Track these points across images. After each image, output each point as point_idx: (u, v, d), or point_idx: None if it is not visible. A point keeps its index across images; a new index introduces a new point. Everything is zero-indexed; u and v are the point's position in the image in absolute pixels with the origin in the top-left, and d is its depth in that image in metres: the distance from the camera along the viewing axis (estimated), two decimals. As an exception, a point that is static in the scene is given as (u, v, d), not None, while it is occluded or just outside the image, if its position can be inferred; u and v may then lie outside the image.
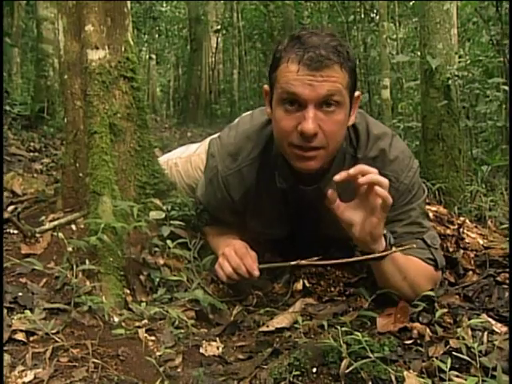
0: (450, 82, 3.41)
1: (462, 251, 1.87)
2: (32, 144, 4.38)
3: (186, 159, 2.27)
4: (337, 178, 1.32)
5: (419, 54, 3.77)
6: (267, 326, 1.46)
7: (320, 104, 1.35)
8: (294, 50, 1.35)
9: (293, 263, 1.47)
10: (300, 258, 1.88)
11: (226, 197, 1.66)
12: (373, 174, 1.31)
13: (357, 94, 1.44)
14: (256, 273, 1.56)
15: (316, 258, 1.45)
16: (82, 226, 1.73)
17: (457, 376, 1.13)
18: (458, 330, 1.26)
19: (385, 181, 1.32)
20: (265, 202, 1.65)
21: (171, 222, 1.73)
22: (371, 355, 1.15)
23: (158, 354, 1.28)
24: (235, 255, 1.59)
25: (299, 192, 1.58)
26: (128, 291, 1.61)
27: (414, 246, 1.47)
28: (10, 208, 2.03)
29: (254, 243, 1.70)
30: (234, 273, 1.58)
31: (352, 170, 1.30)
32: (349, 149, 1.55)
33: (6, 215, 1.73)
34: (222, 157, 1.64)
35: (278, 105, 1.41)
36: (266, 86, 1.49)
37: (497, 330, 1.32)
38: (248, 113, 1.81)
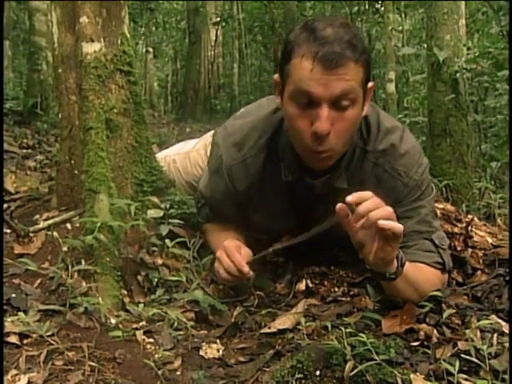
0: (457, 75, 3.40)
1: (470, 250, 1.87)
2: (25, 140, 4.39)
3: (184, 155, 2.27)
4: (338, 207, 1.26)
5: (426, 46, 3.76)
6: (269, 328, 1.46)
7: (334, 102, 1.35)
8: (307, 44, 1.34)
9: (272, 248, 1.54)
10: (304, 258, 1.89)
11: (229, 187, 1.65)
12: (374, 213, 1.22)
13: (370, 84, 1.44)
14: (245, 269, 1.53)
15: (298, 239, 1.48)
16: (78, 225, 1.73)
17: (465, 379, 1.13)
18: (467, 331, 1.26)
19: (390, 213, 1.24)
20: (269, 194, 1.65)
21: (170, 220, 1.73)
22: (376, 357, 1.15)
23: (156, 356, 1.28)
24: (225, 256, 1.58)
25: (306, 185, 1.58)
26: (125, 292, 1.61)
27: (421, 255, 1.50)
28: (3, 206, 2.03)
29: (256, 243, 1.70)
30: (228, 274, 1.57)
31: (350, 198, 1.24)
32: (359, 141, 1.55)
33: (-2, 214, 1.73)
34: (227, 146, 1.64)
35: (290, 100, 1.41)
36: (276, 76, 1.48)
37: (507, 331, 1.32)
38: (255, 102, 1.81)
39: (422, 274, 1.48)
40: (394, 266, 1.36)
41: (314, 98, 1.35)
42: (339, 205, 1.27)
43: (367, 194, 1.25)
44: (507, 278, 1.65)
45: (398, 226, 1.24)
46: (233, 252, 1.57)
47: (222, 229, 1.77)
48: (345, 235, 1.32)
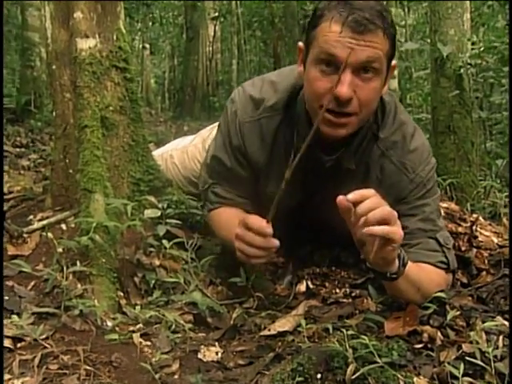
0: (462, 70, 3.40)
1: (475, 250, 1.87)
2: (18, 139, 4.39)
3: (182, 150, 2.27)
4: (339, 199, 1.25)
5: (429, 41, 3.76)
6: (269, 330, 1.46)
7: (358, 69, 1.35)
8: (338, 9, 1.35)
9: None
10: (304, 259, 1.89)
11: (241, 148, 1.64)
12: (384, 227, 1.22)
13: (393, 62, 1.46)
14: (268, 230, 1.42)
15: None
16: (73, 226, 1.74)
17: (470, 383, 1.13)
18: (472, 333, 1.26)
19: (390, 214, 1.24)
20: (281, 162, 1.63)
21: (167, 220, 1.73)
22: (379, 360, 1.15)
23: (153, 359, 1.28)
24: (244, 229, 1.47)
25: (316, 158, 1.58)
26: (122, 294, 1.61)
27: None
28: (-4, 207, 2.03)
29: None
30: (255, 248, 1.45)
31: (351, 196, 1.23)
32: (373, 125, 1.56)
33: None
34: (244, 102, 1.64)
35: (313, 64, 1.40)
36: (300, 44, 1.49)
37: (512, 333, 1.32)
38: (276, 70, 1.81)
39: (425, 275, 1.48)
40: (396, 266, 1.36)
41: (338, 62, 1.35)
42: (340, 197, 1.26)
43: (369, 191, 1.25)
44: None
45: (393, 231, 1.23)
46: (253, 222, 1.45)
47: (232, 211, 1.70)
48: (348, 233, 1.32)
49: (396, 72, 4.73)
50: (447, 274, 1.56)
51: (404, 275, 1.40)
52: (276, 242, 1.45)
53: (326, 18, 1.37)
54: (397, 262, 1.36)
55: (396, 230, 1.25)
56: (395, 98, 1.63)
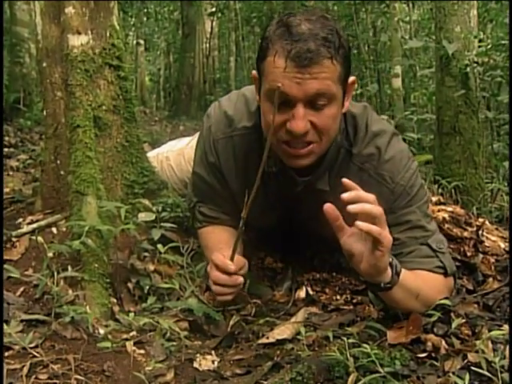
0: (468, 69, 3.41)
1: (481, 256, 1.88)
2: (7, 138, 4.38)
3: (178, 152, 2.28)
4: (326, 207, 1.29)
5: (434, 38, 3.78)
6: (267, 338, 1.46)
7: (309, 102, 1.37)
8: (281, 41, 1.36)
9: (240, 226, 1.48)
10: (304, 264, 1.90)
11: (215, 162, 1.67)
12: (365, 204, 1.25)
13: (351, 79, 1.46)
14: (231, 268, 1.50)
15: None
16: (64, 229, 1.74)
17: (475, 393, 1.14)
18: (477, 342, 1.26)
19: (377, 211, 1.26)
20: (252, 182, 1.66)
21: (162, 224, 1.73)
22: (381, 370, 1.15)
23: (147, 368, 1.29)
24: (211, 267, 1.55)
25: (289, 180, 1.59)
26: (114, 300, 1.61)
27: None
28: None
29: (252, 249, 1.70)
30: (219, 286, 1.53)
31: (345, 195, 1.25)
32: (344, 142, 1.58)
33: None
34: (218, 118, 1.67)
35: (265, 99, 1.43)
36: (254, 73, 1.50)
37: (519, 341, 1.33)
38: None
39: (423, 282, 1.49)
40: (389, 275, 1.37)
41: (288, 98, 1.36)
42: (327, 205, 1.29)
43: (367, 195, 1.26)
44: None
45: (380, 231, 1.25)
46: (217, 260, 1.53)
47: (218, 235, 1.76)
48: (328, 230, 1.34)
49: (400, 70, 4.75)
50: (447, 279, 1.56)
51: (399, 284, 1.40)
52: (240, 280, 1.53)
53: (270, 51, 1.38)
54: (389, 270, 1.37)
55: (384, 232, 1.26)
56: (368, 110, 1.63)
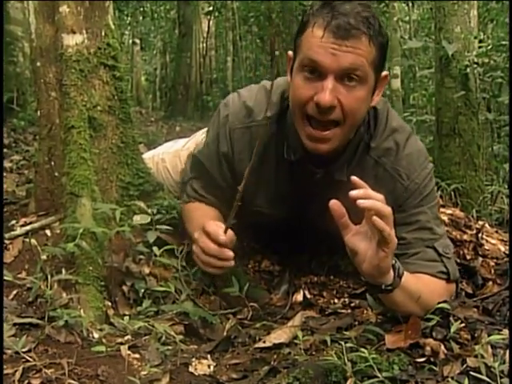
0: (468, 70, 3.42)
1: (480, 259, 1.88)
2: None
3: (174, 154, 2.28)
4: (332, 203, 1.31)
5: (434, 38, 3.78)
6: (264, 342, 1.46)
7: (341, 76, 1.38)
8: (322, 14, 1.38)
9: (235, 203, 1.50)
10: (302, 267, 1.90)
11: (228, 153, 1.68)
12: (376, 201, 1.26)
13: (384, 73, 1.47)
14: (222, 238, 1.49)
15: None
16: (58, 232, 1.74)
17: (475, 398, 1.14)
18: (477, 347, 1.26)
19: (387, 210, 1.27)
20: (271, 173, 1.68)
21: (157, 226, 1.73)
22: (379, 374, 1.16)
23: (142, 373, 1.29)
24: (201, 234, 1.54)
25: (307, 170, 1.60)
26: (109, 304, 1.61)
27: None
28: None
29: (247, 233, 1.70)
30: (208, 256, 1.52)
31: (355, 193, 1.25)
32: (365, 136, 1.59)
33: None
34: (237, 107, 1.68)
35: (298, 71, 1.45)
36: (290, 53, 1.52)
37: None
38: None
39: (424, 286, 1.49)
40: (391, 277, 1.38)
41: (321, 68, 1.38)
42: (332, 201, 1.31)
43: (375, 193, 1.28)
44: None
45: (387, 229, 1.26)
46: (210, 228, 1.52)
47: (206, 211, 1.76)
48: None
49: (399, 71, 4.76)
50: (449, 285, 1.57)
51: (400, 287, 1.41)
52: (230, 254, 1.52)
53: (310, 23, 1.40)
54: (392, 272, 1.38)
55: (393, 233, 1.27)
56: (388, 105, 1.66)
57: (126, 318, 1.47)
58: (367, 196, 1.26)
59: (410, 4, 9.15)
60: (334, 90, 1.38)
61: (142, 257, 1.73)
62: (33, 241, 1.63)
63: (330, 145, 1.48)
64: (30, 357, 1.28)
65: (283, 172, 1.67)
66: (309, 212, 1.68)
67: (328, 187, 1.56)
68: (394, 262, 1.38)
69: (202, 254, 1.53)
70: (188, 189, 1.82)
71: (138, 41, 16.48)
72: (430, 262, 1.54)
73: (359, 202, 1.24)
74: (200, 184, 1.79)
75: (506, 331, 1.40)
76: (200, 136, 2.26)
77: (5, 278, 1.48)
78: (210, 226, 1.53)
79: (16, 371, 1.23)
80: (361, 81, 1.40)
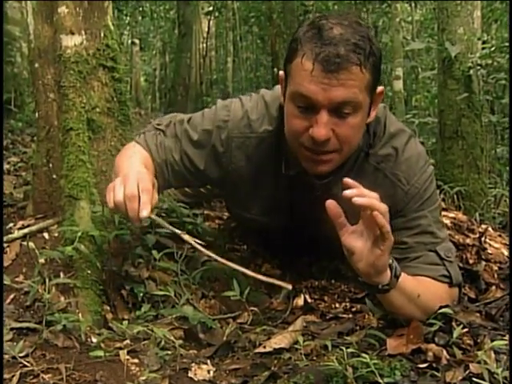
0: (471, 71, 3.42)
1: (483, 263, 1.88)
2: (-2, 140, 4.37)
3: None
4: (328, 203, 1.33)
5: (437, 39, 3.79)
6: (264, 347, 1.46)
7: (334, 109, 1.38)
8: (311, 43, 1.36)
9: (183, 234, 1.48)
10: (302, 271, 1.90)
11: (221, 154, 1.66)
12: (370, 198, 1.28)
13: (379, 89, 1.48)
14: (144, 213, 1.41)
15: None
16: (56, 235, 1.74)
17: (477, 405, 1.14)
18: (479, 352, 1.26)
19: (383, 207, 1.29)
20: (267, 185, 1.68)
21: (157, 230, 1.73)
22: (380, 380, 1.16)
23: (141, 378, 1.29)
24: (137, 185, 1.45)
25: (306, 183, 1.60)
26: (108, 308, 1.61)
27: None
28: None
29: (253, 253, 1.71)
30: (124, 203, 1.43)
31: (349, 192, 1.27)
32: (364, 146, 1.60)
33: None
34: (238, 116, 1.66)
35: (290, 100, 1.44)
36: (281, 73, 1.51)
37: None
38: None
39: (425, 289, 1.49)
40: (387, 276, 1.39)
41: (313, 103, 1.38)
42: (329, 201, 1.32)
43: (369, 192, 1.29)
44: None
45: (387, 227, 1.28)
46: (147, 189, 1.45)
47: (147, 158, 1.68)
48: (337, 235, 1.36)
49: (401, 72, 4.76)
50: (451, 289, 1.57)
51: (398, 288, 1.42)
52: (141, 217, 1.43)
53: (299, 52, 1.38)
54: (388, 272, 1.39)
55: (390, 231, 1.29)
56: (386, 111, 1.65)
57: (125, 322, 1.47)
58: (361, 194, 1.27)
59: (413, 5, 9.16)
60: (329, 123, 1.39)
61: (141, 260, 1.73)
62: (30, 244, 1.63)
63: (330, 166, 1.49)
64: (28, 362, 1.28)
65: (282, 185, 1.67)
66: (308, 221, 1.69)
67: (327, 198, 1.57)
68: (390, 261, 1.39)
69: (119, 192, 1.44)
70: (147, 133, 1.74)
71: (137, 41, 16.47)
72: (431, 265, 1.55)
73: (355, 199, 1.25)
74: (167, 144, 1.70)
75: (508, 336, 1.40)
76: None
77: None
78: (147, 181, 1.46)
79: (13, 376, 1.23)
80: (355, 109, 1.39)
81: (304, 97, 1.38)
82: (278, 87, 1.70)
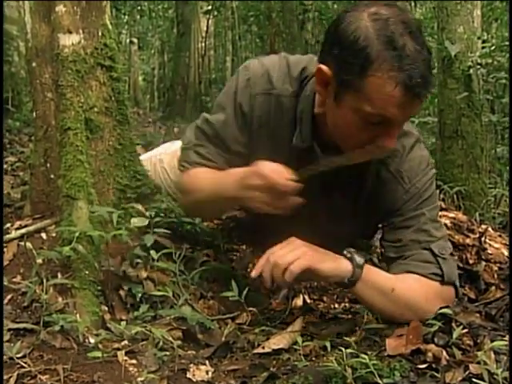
0: (471, 71, 3.43)
1: (483, 263, 1.89)
2: (-5, 140, 4.37)
3: (172, 155, 2.28)
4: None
5: (436, 38, 3.79)
6: (263, 348, 1.47)
7: None
8: (391, 65, 1.35)
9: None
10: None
11: (248, 116, 1.67)
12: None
13: None
14: (291, 183, 1.50)
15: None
16: (54, 235, 1.74)
17: (477, 405, 1.14)
18: (479, 353, 1.26)
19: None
20: (264, 150, 1.68)
21: (155, 229, 1.73)
22: (380, 381, 1.16)
23: (139, 379, 1.29)
24: (269, 170, 1.51)
25: (312, 159, 1.62)
26: (106, 308, 1.61)
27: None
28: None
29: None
30: (270, 196, 1.51)
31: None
32: None
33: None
34: (258, 72, 1.67)
35: (355, 112, 1.43)
36: (324, 68, 1.47)
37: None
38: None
39: (405, 285, 1.51)
40: (347, 268, 1.45)
41: (391, 122, 1.41)
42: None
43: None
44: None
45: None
46: (276, 169, 1.51)
47: (209, 170, 1.74)
48: (344, 241, 1.42)
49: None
50: (443, 287, 1.57)
51: (365, 280, 1.47)
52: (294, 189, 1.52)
53: (377, 74, 1.36)
54: (349, 265, 1.45)
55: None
56: None
57: (123, 322, 1.47)
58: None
59: (413, 3, 9.16)
60: None
61: (139, 261, 1.73)
62: (28, 244, 1.63)
63: None
64: (25, 363, 1.28)
65: (290, 156, 1.66)
66: (307, 206, 1.69)
67: (328, 175, 1.60)
68: (349, 255, 1.47)
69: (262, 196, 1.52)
70: (191, 154, 1.77)
71: (135, 40, 16.51)
72: (423, 262, 1.56)
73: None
74: (206, 150, 1.75)
75: (509, 337, 1.40)
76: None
77: (-1, 282, 1.49)
78: (267, 164, 1.52)
79: (10, 377, 1.22)
80: None
81: (384, 117, 1.40)
82: (300, 56, 1.73)
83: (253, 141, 1.71)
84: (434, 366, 1.30)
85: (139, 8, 15.55)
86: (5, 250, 1.71)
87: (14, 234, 1.75)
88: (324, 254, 1.49)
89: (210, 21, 13.39)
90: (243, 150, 1.72)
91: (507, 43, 3.97)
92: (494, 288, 1.79)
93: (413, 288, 1.52)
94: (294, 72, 1.65)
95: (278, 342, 1.48)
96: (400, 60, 1.34)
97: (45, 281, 1.49)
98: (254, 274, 1.50)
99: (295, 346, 1.41)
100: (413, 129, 1.71)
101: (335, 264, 1.47)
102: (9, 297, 1.55)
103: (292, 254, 1.45)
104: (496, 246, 2.03)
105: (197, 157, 1.76)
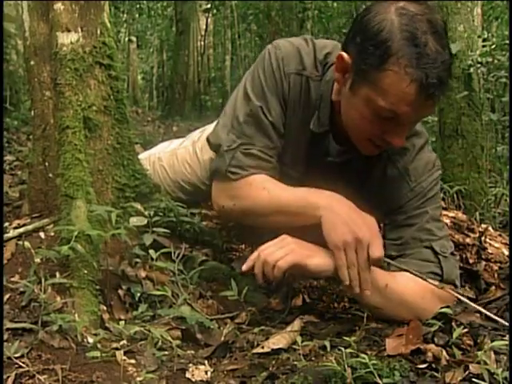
0: (471, 69, 3.42)
1: (483, 263, 1.89)
2: (-7, 139, 4.37)
3: (171, 153, 2.28)
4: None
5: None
6: (262, 347, 1.46)
7: None
8: (410, 62, 1.35)
9: None
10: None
11: (286, 97, 1.66)
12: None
13: None
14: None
15: None
16: (52, 234, 1.74)
17: (477, 405, 1.14)
18: (479, 353, 1.26)
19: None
20: (297, 131, 1.69)
21: (154, 229, 1.73)
22: (379, 381, 1.16)
23: (138, 379, 1.29)
24: (363, 226, 1.46)
25: (325, 145, 1.63)
26: (104, 308, 1.61)
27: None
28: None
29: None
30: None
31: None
32: None
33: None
34: (290, 52, 1.66)
35: (368, 104, 1.44)
36: (346, 57, 1.48)
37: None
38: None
39: (400, 282, 1.51)
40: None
41: (400, 118, 1.42)
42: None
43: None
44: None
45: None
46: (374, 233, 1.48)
47: (279, 183, 1.65)
48: None
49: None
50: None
51: None
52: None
53: (395, 66, 1.36)
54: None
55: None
56: None
57: (122, 322, 1.47)
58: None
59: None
60: None
61: (138, 260, 1.73)
62: (26, 243, 1.63)
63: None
64: (23, 362, 1.28)
65: (305, 139, 1.67)
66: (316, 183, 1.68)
67: (340, 165, 1.64)
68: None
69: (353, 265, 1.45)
70: (241, 157, 1.63)
71: (134, 38, 16.50)
72: (423, 261, 1.56)
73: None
74: (256, 147, 1.64)
75: (509, 337, 1.40)
76: (197, 135, 2.27)
77: (-2, 281, 1.49)
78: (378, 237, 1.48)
79: (8, 377, 1.23)
80: None
81: (395, 113, 1.40)
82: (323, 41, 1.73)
83: (286, 120, 1.69)
84: (433, 365, 1.30)
85: (138, 6, 15.55)
86: (3, 249, 1.71)
87: (12, 233, 1.75)
88: (314, 251, 1.50)
89: (209, 19, 13.40)
90: (283, 131, 1.69)
91: (507, 42, 3.96)
92: (494, 288, 1.79)
93: (408, 286, 1.52)
94: (319, 56, 1.65)
95: (278, 341, 1.48)
96: (419, 58, 1.34)
97: (43, 280, 1.48)
98: (244, 267, 1.53)
99: (294, 346, 1.41)
100: (423, 129, 1.72)
101: (324, 260, 1.48)
102: (7, 296, 1.55)
103: (281, 251, 1.47)
104: (496, 245, 2.03)
105: (249, 159, 1.64)
